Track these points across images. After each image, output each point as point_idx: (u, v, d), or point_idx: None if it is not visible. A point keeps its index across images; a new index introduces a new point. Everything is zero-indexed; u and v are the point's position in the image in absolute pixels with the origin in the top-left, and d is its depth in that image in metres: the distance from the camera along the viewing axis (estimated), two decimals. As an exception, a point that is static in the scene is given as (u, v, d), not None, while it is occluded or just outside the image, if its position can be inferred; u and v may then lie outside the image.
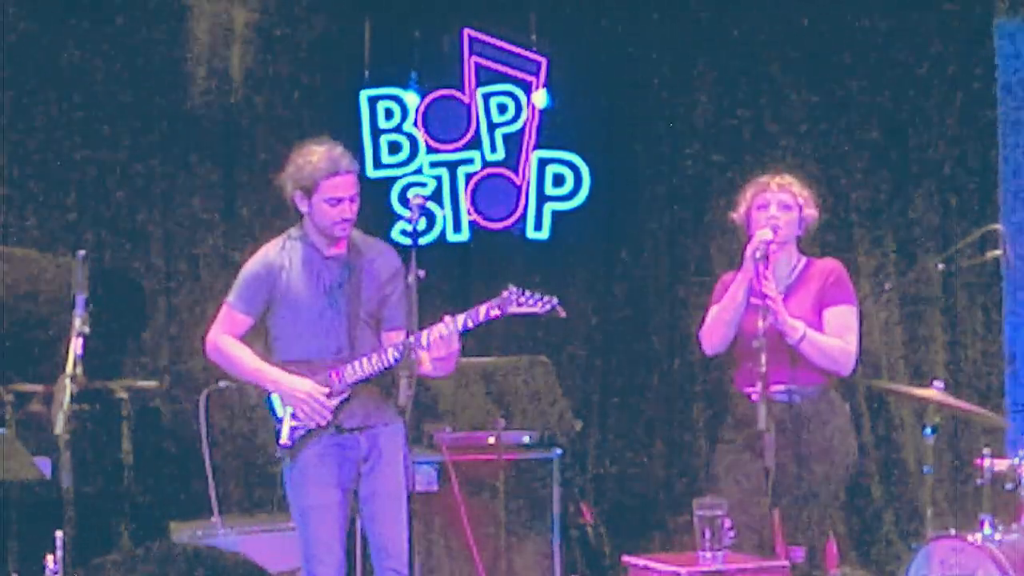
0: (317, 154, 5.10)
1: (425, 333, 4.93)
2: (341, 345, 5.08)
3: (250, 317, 5.17)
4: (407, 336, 4.82)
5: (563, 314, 5.02)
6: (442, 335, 4.94)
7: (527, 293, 4.99)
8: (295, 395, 5.02)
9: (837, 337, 5.33)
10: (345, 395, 5.04)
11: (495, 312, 4.98)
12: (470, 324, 4.98)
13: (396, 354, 4.95)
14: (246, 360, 5.13)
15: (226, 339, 5.17)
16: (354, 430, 5.09)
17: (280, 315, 5.15)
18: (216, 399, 7.35)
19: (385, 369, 5.02)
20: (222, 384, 6.20)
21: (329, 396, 5.04)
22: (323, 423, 5.04)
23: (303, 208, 5.12)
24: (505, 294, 4.99)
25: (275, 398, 5.10)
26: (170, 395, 7.23)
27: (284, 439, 5.06)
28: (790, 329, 5.24)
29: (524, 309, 4.99)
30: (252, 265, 5.20)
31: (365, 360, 5.04)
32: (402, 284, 5.13)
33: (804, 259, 5.49)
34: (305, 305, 5.10)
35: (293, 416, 5.07)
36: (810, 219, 5.46)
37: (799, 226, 5.44)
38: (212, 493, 6.47)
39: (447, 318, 4.97)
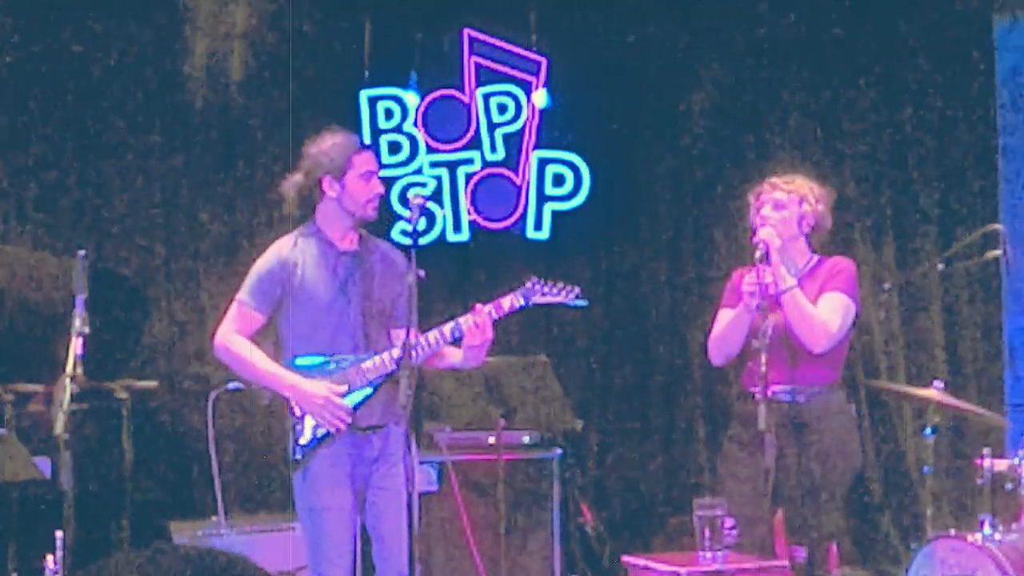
0: (337, 135, 5.13)
1: (463, 319, 4.94)
2: (356, 342, 5.02)
3: (263, 315, 5.08)
4: (407, 335, 4.80)
5: (584, 303, 5.09)
6: (477, 323, 4.92)
7: (549, 283, 5.01)
8: (313, 401, 4.95)
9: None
10: (368, 392, 4.96)
11: (519, 302, 4.99)
12: (495, 315, 4.96)
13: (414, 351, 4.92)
14: (259, 363, 5.04)
15: (237, 339, 5.07)
16: (369, 429, 5.02)
17: (293, 312, 5.06)
18: (220, 398, 7.37)
19: (397, 367, 4.96)
20: (231, 385, 6.17)
21: (347, 394, 4.97)
22: (343, 427, 4.96)
23: (332, 192, 5.05)
24: (528, 284, 5.00)
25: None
26: (170, 395, 7.23)
27: (304, 440, 4.99)
28: (781, 279, 5.21)
29: (548, 299, 5.00)
30: (265, 262, 5.11)
31: (382, 356, 4.99)
32: (406, 281, 5.13)
33: (816, 257, 5.44)
34: (320, 301, 5.03)
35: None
36: (813, 216, 5.39)
37: (800, 223, 5.39)
38: (219, 493, 6.45)
39: (478, 306, 4.95)
